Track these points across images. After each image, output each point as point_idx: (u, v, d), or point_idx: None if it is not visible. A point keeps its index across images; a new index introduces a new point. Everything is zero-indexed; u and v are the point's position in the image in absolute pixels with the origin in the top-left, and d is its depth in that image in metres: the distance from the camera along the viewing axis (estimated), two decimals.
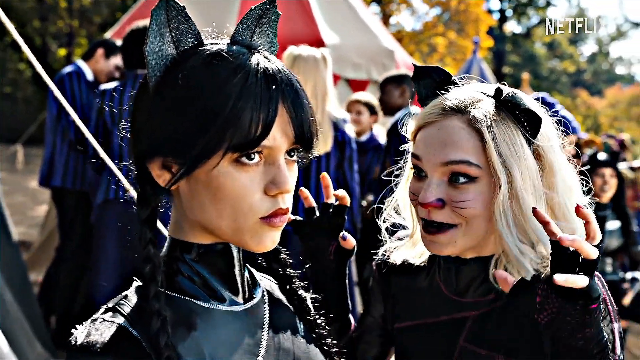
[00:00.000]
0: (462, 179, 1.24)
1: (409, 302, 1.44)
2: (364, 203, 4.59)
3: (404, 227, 1.48)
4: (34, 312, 4.14)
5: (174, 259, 1.04)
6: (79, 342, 0.93)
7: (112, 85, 4.16)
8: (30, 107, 17.14)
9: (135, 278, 1.05)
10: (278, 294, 1.19)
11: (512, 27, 36.38)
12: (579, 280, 1.02)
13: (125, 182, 2.21)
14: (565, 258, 1.05)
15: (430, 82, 1.35)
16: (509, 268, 1.27)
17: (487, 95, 1.28)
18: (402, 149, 1.42)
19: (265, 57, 0.98)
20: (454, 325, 1.35)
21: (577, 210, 1.13)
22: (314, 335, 1.17)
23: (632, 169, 7.58)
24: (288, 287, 1.18)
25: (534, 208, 1.10)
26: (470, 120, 1.24)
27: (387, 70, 6.37)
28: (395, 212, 1.46)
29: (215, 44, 0.99)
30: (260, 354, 1.04)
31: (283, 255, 1.18)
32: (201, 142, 0.93)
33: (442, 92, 1.32)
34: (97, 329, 0.94)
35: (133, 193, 2.27)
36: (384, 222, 1.47)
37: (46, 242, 6.29)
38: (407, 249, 1.44)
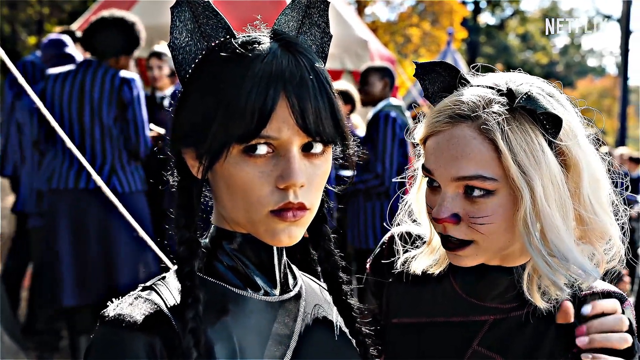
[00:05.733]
0: (478, 192, 1.15)
1: (411, 298, 1.37)
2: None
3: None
4: (1, 303, 4.08)
5: (215, 245, 1.06)
6: (110, 315, 0.94)
7: (59, 70, 4.11)
8: None
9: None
10: (325, 295, 1.18)
11: (486, 18, 36.62)
12: None
13: (89, 168, 2.17)
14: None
15: (435, 77, 1.26)
16: (541, 283, 1.21)
17: (499, 92, 1.17)
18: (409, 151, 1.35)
19: (285, 48, 0.96)
20: (469, 328, 1.29)
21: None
22: (355, 341, 1.15)
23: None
24: (336, 289, 1.16)
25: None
26: (481, 128, 1.14)
27: (361, 60, 6.38)
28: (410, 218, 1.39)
29: (246, 36, 0.99)
30: (291, 346, 1.04)
31: (335, 257, 1.16)
32: (211, 134, 0.94)
33: (447, 94, 1.23)
34: (131, 304, 0.96)
35: (101, 183, 2.23)
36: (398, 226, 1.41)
37: None
38: (425, 255, 1.35)
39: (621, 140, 15.64)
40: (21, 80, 2.21)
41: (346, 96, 5.41)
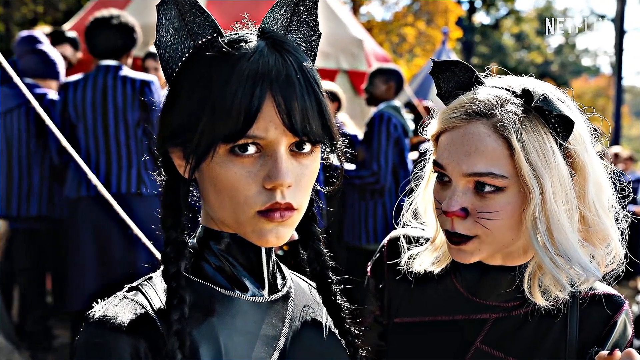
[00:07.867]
0: (488, 188, 1.18)
1: (414, 297, 1.38)
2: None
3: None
4: None
5: (203, 246, 1.05)
6: (96, 316, 0.94)
7: (75, 77, 4.11)
8: None
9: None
10: (315, 295, 1.18)
11: (481, 18, 36.63)
12: None
13: (93, 178, 2.16)
14: None
15: (450, 76, 1.28)
16: (544, 281, 1.23)
17: (514, 94, 1.20)
18: (420, 150, 1.35)
19: (272, 46, 0.95)
20: (472, 326, 1.31)
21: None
22: (344, 341, 1.15)
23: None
24: (325, 290, 1.15)
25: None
26: (496, 126, 1.17)
27: (356, 60, 6.39)
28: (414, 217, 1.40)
29: (233, 35, 0.98)
30: (278, 347, 1.03)
31: (325, 257, 1.15)
32: (198, 134, 0.93)
33: (463, 91, 1.25)
34: (116, 305, 0.95)
35: (102, 189, 2.22)
36: (403, 227, 1.42)
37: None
38: (428, 252, 1.37)
39: (615, 140, 15.70)
40: (16, 79, 2.20)
41: (331, 95, 5.42)
